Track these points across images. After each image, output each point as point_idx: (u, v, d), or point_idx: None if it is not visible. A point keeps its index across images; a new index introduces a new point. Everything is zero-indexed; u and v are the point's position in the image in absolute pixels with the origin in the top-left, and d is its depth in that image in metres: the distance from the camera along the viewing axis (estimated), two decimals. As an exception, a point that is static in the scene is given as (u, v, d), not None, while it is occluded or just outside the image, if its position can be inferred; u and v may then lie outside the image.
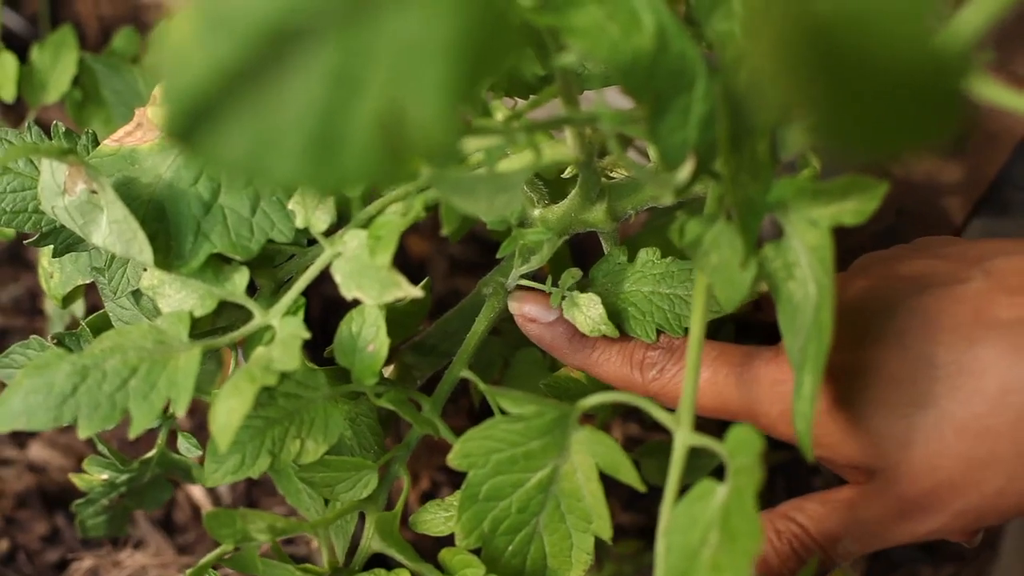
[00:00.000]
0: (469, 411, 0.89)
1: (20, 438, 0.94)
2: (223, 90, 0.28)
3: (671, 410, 0.50)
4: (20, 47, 0.87)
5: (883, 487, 0.52)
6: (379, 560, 0.61)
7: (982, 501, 0.50)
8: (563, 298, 0.60)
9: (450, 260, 0.98)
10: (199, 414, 0.90)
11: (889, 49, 0.28)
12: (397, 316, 0.63)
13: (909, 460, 0.51)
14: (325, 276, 0.57)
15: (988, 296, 0.51)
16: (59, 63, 0.84)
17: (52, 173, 0.54)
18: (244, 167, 0.29)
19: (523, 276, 0.62)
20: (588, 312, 0.59)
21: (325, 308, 0.91)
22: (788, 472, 0.87)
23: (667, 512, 0.47)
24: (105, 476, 0.65)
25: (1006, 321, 0.50)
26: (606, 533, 0.55)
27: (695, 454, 0.52)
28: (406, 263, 0.97)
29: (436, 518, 0.61)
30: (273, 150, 0.29)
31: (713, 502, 0.45)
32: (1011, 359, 0.49)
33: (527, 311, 0.61)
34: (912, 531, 0.53)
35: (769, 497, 0.88)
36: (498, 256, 0.61)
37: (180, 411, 0.50)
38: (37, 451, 0.93)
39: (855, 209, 0.47)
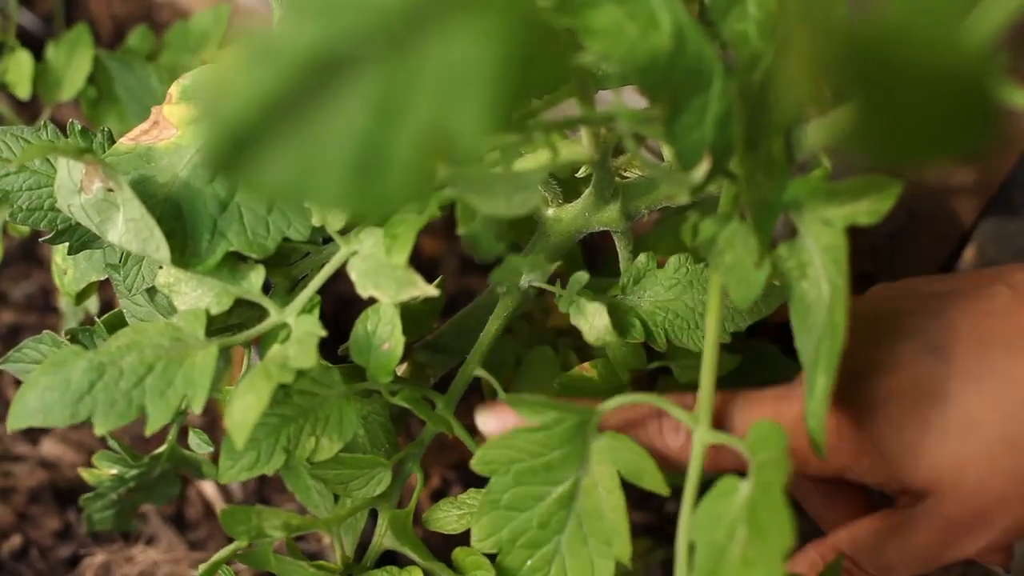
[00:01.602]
0: (481, 410, 0.89)
1: (32, 434, 0.94)
2: (267, 119, 0.28)
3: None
4: (35, 45, 0.87)
5: (933, 510, 0.52)
6: (390, 557, 0.61)
7: None
8: (571, 303, 0.60)
9: (462, 260, 0.98)
10: (209, 411, 0.90)
11: (926, 58, 0.28)
12: (410, 314, 0.63)
13: (961, 482, 0.50)
14: (337, 275, 0.57)
15: (1018, 307, 0.51)
16: (74, 61, 0.85)
17: (69, 171, 0.55)
18: (287, 194, 0.29)
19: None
20: (593, 321, 0.59)
21: (337, 307, 0.91)
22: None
23: (687, 511, 0.47)
24: (115, 471, 0.65)
25: None
26: (626, 556, 0.53)
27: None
28: (418, 262, 0.97)
29: (449, 516, 0.61)
30: (316, 177, 0.29)
31: (737, 499, 0.45)
32: None
33: (490, 427, 0.57)
34: (961, 551, 0.52)
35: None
36: (490, 282, 0.61)
37: (197, 408, 0.51)
38: (49, 447, 0.93)
39: (869, 209, 0.47)
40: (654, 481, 0.52)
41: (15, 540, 0.88)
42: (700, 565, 0.45)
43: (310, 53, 0.28)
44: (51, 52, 0.85)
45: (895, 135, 0.30)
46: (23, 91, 0.84)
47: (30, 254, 1.02)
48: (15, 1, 0.87)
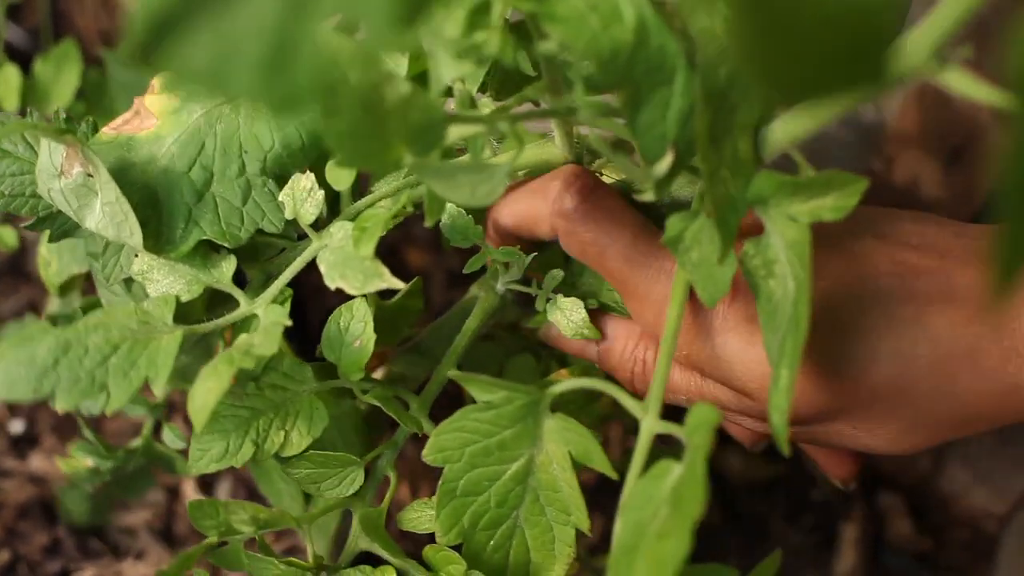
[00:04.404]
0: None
1: (21, 449, 0.94)
2: (186, 6, 0.30)
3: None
4: (21, 60, 0.88)
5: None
6: (366, 558, 0.61)
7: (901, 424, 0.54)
8: (548, 300, 0.60)
9: (448, 273, 0.98)
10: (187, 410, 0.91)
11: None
12: (389, 317, 0.63)
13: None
14: (325, 286, 0.58)
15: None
16: (62, 76, 0.85)
17: (50, 155, 0.55)
18: (205, 78, 0.30)
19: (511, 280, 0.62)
20: (571, 316, 0.59)
21: (324, 317, 0.91)
22: (787, 486, 0.87)
23: (628, 493, 0.47)
24: (91, 462, 0.66)
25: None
26: (584, 524, 0.55)
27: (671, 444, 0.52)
28: (405, 276, 0.98)
29: (422, 516, 0.61)
30: (232, 62, 0.30)
31: (669, 480, 0.45)
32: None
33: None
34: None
35: (769, 512, 0.88)
36: (465, 272, 0.61)
37: (158, 390, 0.51)
38: (38, 462, 0.93)
39: (835, 205, 0.47)
40: (602, 463, 0.53)
41: (4, 555, 0.88)
42: (622, 543, 0.45)
43: None
44: (39, 67, 0.86)
45: (786, 64, 0.30)
46: (11, 105, 0.84)
47: (18, 269, 1.02)
48: (1, 16, 0.88)
